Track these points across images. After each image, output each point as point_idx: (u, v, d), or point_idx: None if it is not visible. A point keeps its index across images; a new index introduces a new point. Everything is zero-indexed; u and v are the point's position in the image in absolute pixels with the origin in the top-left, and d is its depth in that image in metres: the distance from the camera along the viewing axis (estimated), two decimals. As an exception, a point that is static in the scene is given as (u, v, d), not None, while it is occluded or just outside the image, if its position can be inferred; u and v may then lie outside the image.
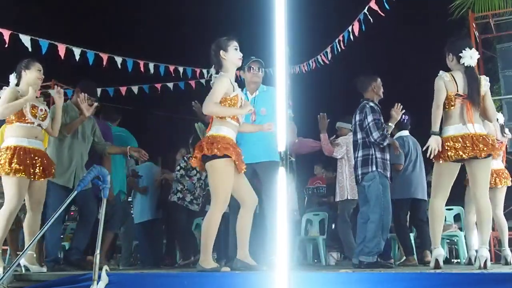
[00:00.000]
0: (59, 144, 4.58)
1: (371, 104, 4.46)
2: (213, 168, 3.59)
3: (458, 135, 3.67)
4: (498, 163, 4.88)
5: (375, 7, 6.38)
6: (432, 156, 3.77)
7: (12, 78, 4.16)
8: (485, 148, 3.60)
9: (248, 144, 4.07)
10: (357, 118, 4.50)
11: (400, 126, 5.39)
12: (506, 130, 5.23)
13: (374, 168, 4.35)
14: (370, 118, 4.35)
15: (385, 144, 4.40)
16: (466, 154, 3.62)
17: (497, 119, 5.12)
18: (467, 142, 3.62)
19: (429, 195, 4.64)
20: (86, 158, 4.75)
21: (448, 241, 6.52)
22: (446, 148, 3.69)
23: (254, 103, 4.23)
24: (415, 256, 5.26)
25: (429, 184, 4.99)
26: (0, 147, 4.04)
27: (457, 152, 3.63)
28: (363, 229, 4.43)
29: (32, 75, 4.13)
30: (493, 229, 6.33)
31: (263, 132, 4.08)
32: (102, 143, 4.93)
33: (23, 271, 3.96)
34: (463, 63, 3.77)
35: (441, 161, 3.75)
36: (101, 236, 3.14)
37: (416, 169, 5.35)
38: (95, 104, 4.65)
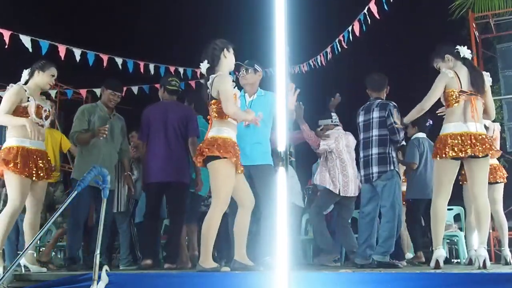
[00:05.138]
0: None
1: (393, 103, 4.45)
2: (214, 168, 3.60)
3: (457, 133, 3.65)
4: (494, 159, 4.88)
5: (374, 8, 6.37)
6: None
7: (25, 73, 4.12)
8: (483, 148, 3.59)
9: (244, 147, 4.07)
10: (375, 115, 4.43)
11: (421, 128, 5.39)
12: (491, 131, 4.94)
13: (392, 167, 4.34)
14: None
15: (402, 144, 4.48)
16: (464, 153, 3.61)
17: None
18: (465, 141, 3.61)
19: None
20: (116, 157, 4.78)
21: (448, 241, 6.51)
22: (445, 145, 3.67)
23: (250, 106, 4.22)
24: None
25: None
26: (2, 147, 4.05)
27: (455, 150, 3.62)
28: (367, 229, 4.39)
29: (44, 79, 4.10)
30: (494, 229, 6.29)
31: (259, 135, 4.16)
32: (125, 149, 4.94)
33: (23, 271, 3.96)
34: (463, 56, 3.78)
35: (438, 158, 3.73)
36: (101, 236, 3.14)
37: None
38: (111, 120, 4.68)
